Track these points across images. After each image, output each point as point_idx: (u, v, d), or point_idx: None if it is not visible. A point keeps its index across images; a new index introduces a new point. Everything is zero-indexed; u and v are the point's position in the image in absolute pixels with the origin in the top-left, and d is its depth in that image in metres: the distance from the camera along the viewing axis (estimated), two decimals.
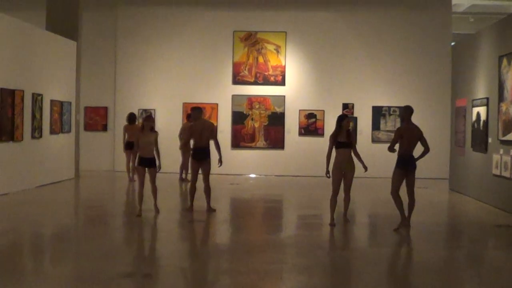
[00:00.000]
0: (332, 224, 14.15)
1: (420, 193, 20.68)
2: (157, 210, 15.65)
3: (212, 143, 15.76)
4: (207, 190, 15.99)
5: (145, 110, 26.17)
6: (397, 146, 13.96)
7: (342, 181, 14.33)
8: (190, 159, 16.07)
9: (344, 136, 14.25)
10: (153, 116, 26.33)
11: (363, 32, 26.25)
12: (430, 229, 14.47)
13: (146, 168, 15.31)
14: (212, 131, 15.91)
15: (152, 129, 15.33)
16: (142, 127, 15.39)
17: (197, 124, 15.84)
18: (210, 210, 16.04)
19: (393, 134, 14.69)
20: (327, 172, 14.41)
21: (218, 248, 12.42)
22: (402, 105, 25.16)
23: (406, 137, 13.92)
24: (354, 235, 13.70)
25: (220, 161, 15.90)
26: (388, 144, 14.14)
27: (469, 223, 15.97)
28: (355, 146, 14.53)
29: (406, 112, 14.14)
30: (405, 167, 13.95)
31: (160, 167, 15.38)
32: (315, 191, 21.23)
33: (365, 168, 14.29)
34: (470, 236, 14.26)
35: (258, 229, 14.93)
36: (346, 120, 14.39)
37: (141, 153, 15.21)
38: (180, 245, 12.83)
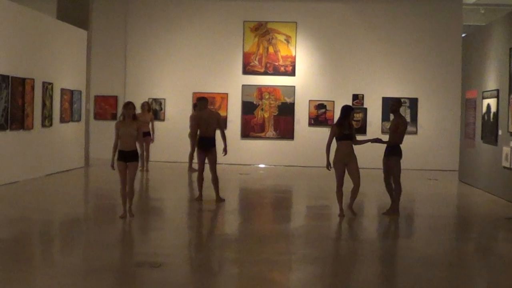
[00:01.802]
0: (341, 215, 14.05)
1: (429, 185, 20.79)
2: (131, 214, 13.40)
3: (218, 133, 15.78)
4: (215, 180, 15.93)
5: (155, 100, 26.22)
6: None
7: (348, 174, 14.04)
8: (196, 148, 15.94)
9: (347, 128, 14.06)
10: (162, 105, 26.36)
11: (373, 23, 26.19)
12: (439, 221, 14.46)
13: (127, 163, 13.22)
14: (218, 121, 15.88)
15: (134, 117, 13.36)
16: (123, 116, 13.37)
17: (203, 114, 15.84)
18: (219, 200, 16.02)
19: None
20: (329, 164, 14.16)
21: (227, 238, 12.44)
22: (412, 96, 25.57)
23: (404, 127, 14.67)
24: (363, 226, 13.69)
25: (225, 150, 15.81)
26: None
27: (479, 215, 15.95)
28: (355, 137, 14.26)
29: (399, 105, 14.96)
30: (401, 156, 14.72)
31: (138, 165, 13.54)
32: (324, 181, 21.20)
33: (378, 139, 14.85)
34: (479, 229, 14.25)
35: (267, 219, 14.95)
36: (353, 112, 14.38)
37: (121, 146, 13.21)
38: (189, 234, 12.86)
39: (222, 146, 15.76)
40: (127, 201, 13.32)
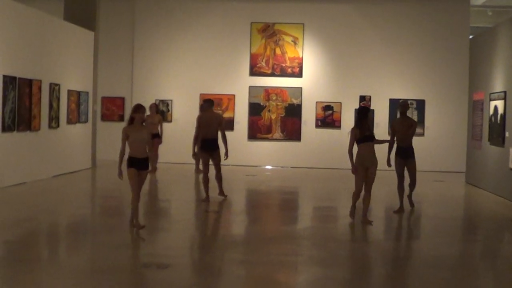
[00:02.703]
0: (353, 215, 13.79)
1: (436, 186, 20.76)
2: (138, 226, 12.33)
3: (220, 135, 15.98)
4: (219, 177, 16.20)
5: (162, 101, 26.22)
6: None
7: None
8: (199, 150, 16.07)
9: (367, 129, 13.59)
10: (170, 107, 26.36)
11: (381, 25, 26.17)
12: (445, 223, 14.43)
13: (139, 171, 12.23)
14: (220, 123, 15.95)
15: (143, 122, 12.51)
16: (131, 120, 12.38)
17: (205, 116, 15.99)
18: (222, 194, 16.41)
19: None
20: (355, 168, 13.46)
21: (234, 239, 12.43)
22: (419, 98, 25.53)
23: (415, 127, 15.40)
24: (369, 227, 13.61)
25: (226, 154, 15.90)
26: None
27: (485, 217, 15.92)
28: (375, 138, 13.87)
29: (408, 106, 15.95)
30: None
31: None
32: (331, 183, 21.22)
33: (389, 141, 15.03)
34: (486, 230, 14.21)
35: (274, 221, 14.93)
36: (370, 113, 14.08)
37: (132, 152, 12.20)
38: (196, 236, 12.85)
39: (224, 149, 15.91)
40: (133, 212, 12.38)
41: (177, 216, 14.96)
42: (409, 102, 25.10)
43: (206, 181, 16.02)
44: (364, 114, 13.66)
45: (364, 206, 13.67)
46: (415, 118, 24.94)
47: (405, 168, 15.18)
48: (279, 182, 21.42)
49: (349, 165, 13.65)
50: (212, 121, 15.81)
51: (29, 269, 9.46)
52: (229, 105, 26.10)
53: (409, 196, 15.51)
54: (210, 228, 13.90)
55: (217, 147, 15.82)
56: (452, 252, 11.65)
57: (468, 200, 19.09)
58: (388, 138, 15.47)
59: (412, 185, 15.38)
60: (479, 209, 17.30)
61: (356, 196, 13.75)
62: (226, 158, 15.96)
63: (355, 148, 13.49)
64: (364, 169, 13.50)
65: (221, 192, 16.42)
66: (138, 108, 12.37)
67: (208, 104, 16.21)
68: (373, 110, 25.68)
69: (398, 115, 15.57)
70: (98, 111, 25.87)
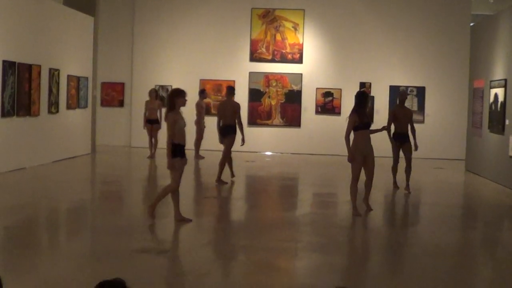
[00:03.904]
0: (357, 214, 12.95)
1: (436, 174, 20.76)
2: (151, 213, 12.15)
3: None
4: (222, 163, 16.68)
5: (161, 86, 26.15)
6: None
7: (363, 166, 13.14)
8: (218, 135, 16.81)
9: (366, 116, 13.19)
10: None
11: (381, 11, 26.10)
12: (445, 210, 14.42)
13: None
14: (235, 111, 16.67)
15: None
16: (172, 105, 11.76)
17: (225, 104, 16.95)
18: (221, 183, 16.65)
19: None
20: (351, 156, 12.92)
21: (233, 225, 12.47)
22: (420, 85, 25.48)
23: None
24: (369, 214, 13.59)
25: (243, 140, 17.05)
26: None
27: (485, 204, 15.93)
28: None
29: (406, 96, 17.19)
30: None
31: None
32: (331, 169, 21.21)
33: (383, 129, 14.70)
34: (485, 218, 14.23)
35: (274, 207, 14.94)
36: (369, 98, 13.65)
37: (180, 140, 11.70)
38: (195, 221, 12.83)
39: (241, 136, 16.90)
40: (173, 204, 12.12)
41: None
42: (407, 91, 25.18)
43: (229, 161, 17.05)
44: (364, 99, 13.11)
45: (366, 192, 13.41)
46: (415, 105, 25.05)
47: (401, 153, 16.11)
48: (279, 168, 21.41)
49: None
50: (230, 108, 16.66)
51: (29, 255, 9.46)
52: None
53: (407, 185, 15.98)
54: (209, 214, 13.89)
55: (234, 132, 16.62)
56: (451, 239, 11.66)
57: (467, 188, 19.09)
58: (379, 125, 15.63)
59: (408, 168, 15.94)
60: (478, 196, 17.30)
61: (354, 188, 13.09)
62: (243, 144, 17.28)
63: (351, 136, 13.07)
64: (361, 157, 12.98)
65: (219, 180, 16.67)
66: (181, 92, 11.76)
67: (230, 91, 17.26)
68: (373, 97, 25.64)
69: (397, 103, 16.26)
70: (98, 96, 25.85)
